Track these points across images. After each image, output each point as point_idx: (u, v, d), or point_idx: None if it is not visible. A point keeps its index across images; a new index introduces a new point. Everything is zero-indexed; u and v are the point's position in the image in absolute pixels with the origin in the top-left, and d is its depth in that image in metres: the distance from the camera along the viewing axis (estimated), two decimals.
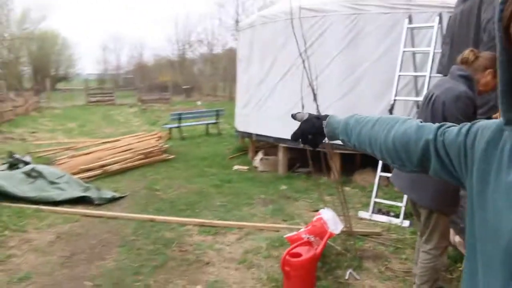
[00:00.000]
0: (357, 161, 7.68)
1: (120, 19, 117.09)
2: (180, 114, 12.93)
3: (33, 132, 13.94)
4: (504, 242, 0.81)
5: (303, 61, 3.92)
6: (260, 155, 8.68)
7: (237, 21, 31.50)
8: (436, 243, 3.00)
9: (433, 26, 5.65)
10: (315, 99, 3.74)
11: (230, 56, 26.60)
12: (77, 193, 6.11)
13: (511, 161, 0.85)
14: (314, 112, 1.60)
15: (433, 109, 2.94)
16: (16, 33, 42.70)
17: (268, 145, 8.95)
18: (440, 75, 4.64)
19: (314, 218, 4.15)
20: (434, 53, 5.42)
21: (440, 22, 5.66)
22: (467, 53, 2.92)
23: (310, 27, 7.27)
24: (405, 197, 4.95)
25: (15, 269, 3.98)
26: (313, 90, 3.73)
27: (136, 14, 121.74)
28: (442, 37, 5.51)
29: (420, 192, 2.94)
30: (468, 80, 2.88)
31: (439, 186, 2.82)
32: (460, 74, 2.91)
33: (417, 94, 6.23)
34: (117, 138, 11.13)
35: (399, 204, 5.22)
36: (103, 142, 10.46)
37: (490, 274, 0.85)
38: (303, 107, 4.38)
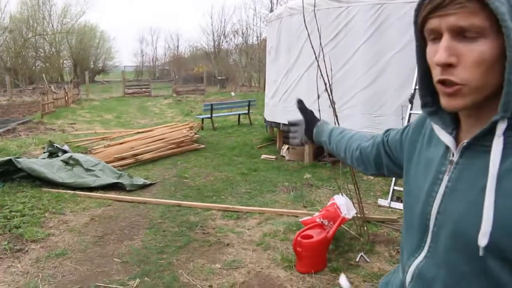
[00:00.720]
0: None
1: (156, 11, 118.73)
2: (212, 105, 13.23)
3: (72, 123, 14.58)
4: (419, 207, 1.00)
5: (319, 55, 4.08)
6: (287, 144, 8.89)
7: (271, 11, 31.61)
8: None
9: None
10: (326, 90, 3.91)
11: (265, 47, 26.75)
12: (111, 179, 6.49)
13: (429, 140, 1.05)
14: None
15: None
16: (57, 28, 44.19)
17: None
18: None
19: (328, 203, 4.34)
20: None
21: None
22: None
23: (336, 17, 7.41)
24: None
25: (53, 246, 4.37)
26: (325, 84, 3.90)
27: (172, 6, 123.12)
28: None
29: None
30: None
31: None
32: None
33: None
34: (151, 128, 11.55)
35: None
36: (137, 132, 10.89)
37: (411, 234, 1.05)
38: (318, 97, 4.56)
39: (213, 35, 45.66)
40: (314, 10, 4.90)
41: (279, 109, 8.84)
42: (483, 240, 0.81)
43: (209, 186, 6.63)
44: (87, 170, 6.72)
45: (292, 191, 6.24)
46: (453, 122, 0.96)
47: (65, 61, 47.89)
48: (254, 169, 7.68)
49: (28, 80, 37.56)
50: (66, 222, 5.07)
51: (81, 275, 3.79)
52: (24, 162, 6.46)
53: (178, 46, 56.19)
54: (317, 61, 4.05)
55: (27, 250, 4.29)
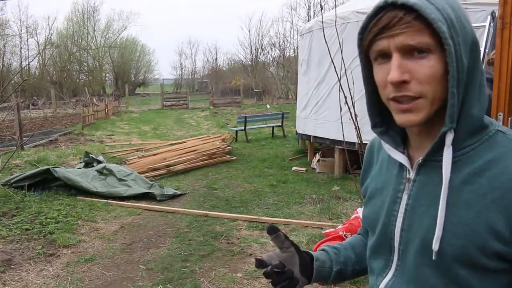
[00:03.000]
0: None
1: (195, 25, 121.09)
2: (246, 117, 13.37)
3: (111, 135, 15.04)
4: (380, 228, 1.03)
5: (346, 69, 4.12)
6: (317, 156, 8.90)
7: None
8: None
9: (484, 26, 5.60)
10: (346, 103, 3.94)
11: None
12: (142, 189, 6.69)
13: (381, 163, 1.09)
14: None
15: None
16: (100, 42, 45.81)
17: (325, 147, 9.14)
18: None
19: (352, 216, 4.35)
20: (486, 53, 5.38)
21: (493, 21, 5.60)
22: (492, 53, 2.98)
23: None
24: None
25: (83, 252, 4.56)
26: (345, 97, 3.93)
27: (211, 21, 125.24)
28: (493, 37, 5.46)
29: None
30: (493, 83, 2.96)
31: None
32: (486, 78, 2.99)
33: None
34: (184, 140, 11.79)
35: None
36: (171, 144, 11.14)
37: (375, 255, 1.07)
38: (340, 109, 4.59)
39: (251, 48, 46.20)
40: (333, 24, 4.95)
41: (310, 121, 8.87)
42: (435, 245, 0.85)
43: (238, 197, 6.72)
44: (120, 180, 6.94)
45: (319, 203, 6.25)
46: (402, 141, 1.00)
47: (107, 74, 49.51)
48: (284, 181, 7.72)
49: (72, 92, 39.03)
50: (97, 229, 5.27)
51: (107, 280, 3.93)
52: (61, 171, 6.74)
53: (216, 59, 57.09)
54: (338, 76, 4.08)
55: (59, 255, 4.49)
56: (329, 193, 6.82)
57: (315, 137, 8.75)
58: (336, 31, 4.90)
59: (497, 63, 2.31)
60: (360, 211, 4.25)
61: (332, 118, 7.87)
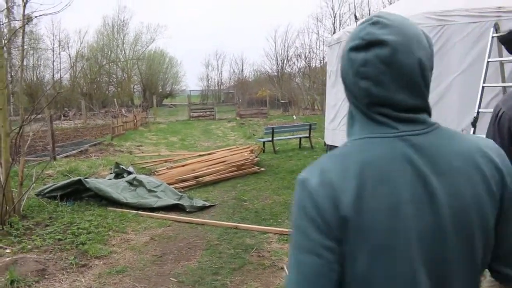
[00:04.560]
0: None
1: (222, 37, 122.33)
2: (273, 128, 13.34)
3: (139, 145, 15.22)
4: None
5: None
6: None
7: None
8: None
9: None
10: None
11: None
12: (172, 201, 6.71)
13: None
14: None
15: (499, 126, 2.90)
16: (129, 54, 46.69)
17: None
18: None
19: None
20: (488, 64, 5.26)
21: (496, 32, 5.47)
22: None
23: None
24: None
25: (114, 263, 4.57)
26: None
27: (237, 32, 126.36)
28: None
29: None
30: None
31: None
32: None
33: None
34: (212, 151, 11.82)
35: None
36: (199, 155, 11.18)
37: None
38: None
39: (277, 59, 46.25)
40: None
41: (339, 133, 8.78)
42: None
43: (267, 209, 6.67)
44: (150, 191, 6.98)
45: None
46: None
47: (135, 86, 50.36)
48: None
49: (102, 104, 39.79)
50: (128, 240, 5.29)
51: None
52: (92, 182, 6.82)
53: (242, 70, 57.39)
54: None
55: (91, 266, 4.52)
56: None
57: None
58: None
59: None
60: None
61: None
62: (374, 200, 0.89)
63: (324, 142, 10.12)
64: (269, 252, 4.84)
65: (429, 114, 1.06)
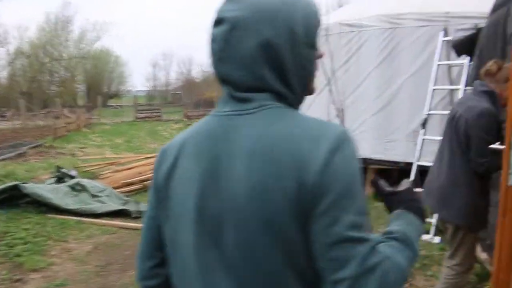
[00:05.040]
0: (394, 176, 7.57)
1: (169, 36, 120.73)
2: None
3: (82, 148, 14.58)
4: None
5: (330, 79, 3.97)
6: None
7: None
8: (461, 259, 2.92)
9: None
10: (338, 115, 3.78)
11: None
12: (117, 206, 6.38)
13: None
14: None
15: (456, 128, 2.88)
16: (73, 52, 44.98)
17: None
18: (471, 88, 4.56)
19: None
20: (468, 66, 5.34)
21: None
22: (490, 64, 2.87)
23: (347, 42, 7.32)
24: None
25: (53, 276, 4.23)
26: (337, 109, 3.77)
27: (185, 31, 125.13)
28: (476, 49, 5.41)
29: (449, 208, 2.88)
30: (491, 95, 2.82)
31: (468, 200, 2.77)
32: (482, 90, 2.86)
33: None
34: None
35: (430, 220, 5.11)
36: (146, 157, 10.80)
37: None
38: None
39: None
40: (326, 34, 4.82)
41: None
42: None
43: None
44: (94, 196, 6.61)
45: None
46: None
47: (79, 86, 48.57)
48: None
49: (43, 104, 38.05)
50: (69, 250, 4.94)
51: None
52: (30, 187, 6.37)
53: (190, 71, 56.75)
54: (330, 86, 3.92)
55: (27, 280, 4.15)
56: None
57: None
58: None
59: None
60: None
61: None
62: (178, 172, 0.99)
63: None
64: None
65: (279, 94, 0.98)
